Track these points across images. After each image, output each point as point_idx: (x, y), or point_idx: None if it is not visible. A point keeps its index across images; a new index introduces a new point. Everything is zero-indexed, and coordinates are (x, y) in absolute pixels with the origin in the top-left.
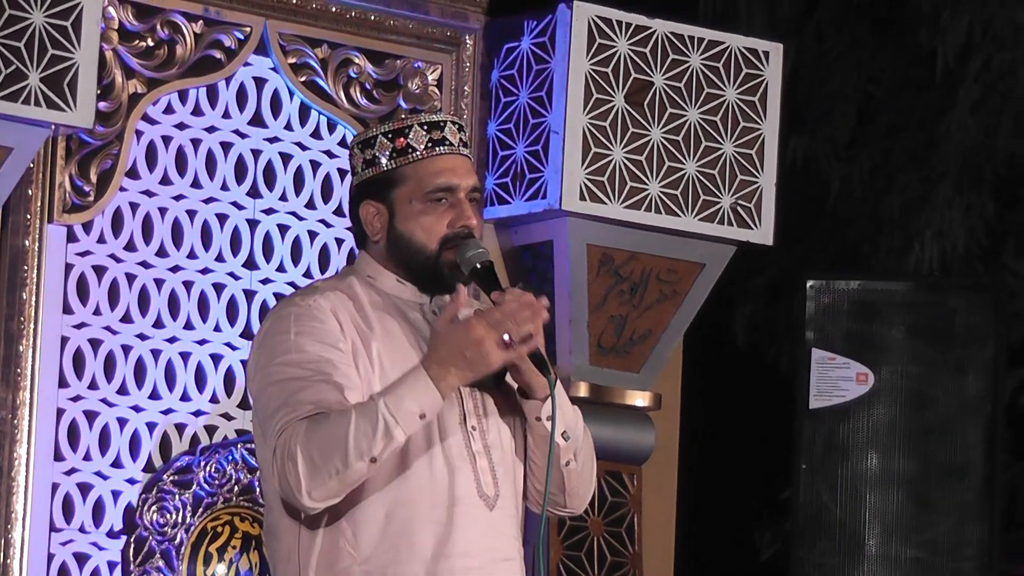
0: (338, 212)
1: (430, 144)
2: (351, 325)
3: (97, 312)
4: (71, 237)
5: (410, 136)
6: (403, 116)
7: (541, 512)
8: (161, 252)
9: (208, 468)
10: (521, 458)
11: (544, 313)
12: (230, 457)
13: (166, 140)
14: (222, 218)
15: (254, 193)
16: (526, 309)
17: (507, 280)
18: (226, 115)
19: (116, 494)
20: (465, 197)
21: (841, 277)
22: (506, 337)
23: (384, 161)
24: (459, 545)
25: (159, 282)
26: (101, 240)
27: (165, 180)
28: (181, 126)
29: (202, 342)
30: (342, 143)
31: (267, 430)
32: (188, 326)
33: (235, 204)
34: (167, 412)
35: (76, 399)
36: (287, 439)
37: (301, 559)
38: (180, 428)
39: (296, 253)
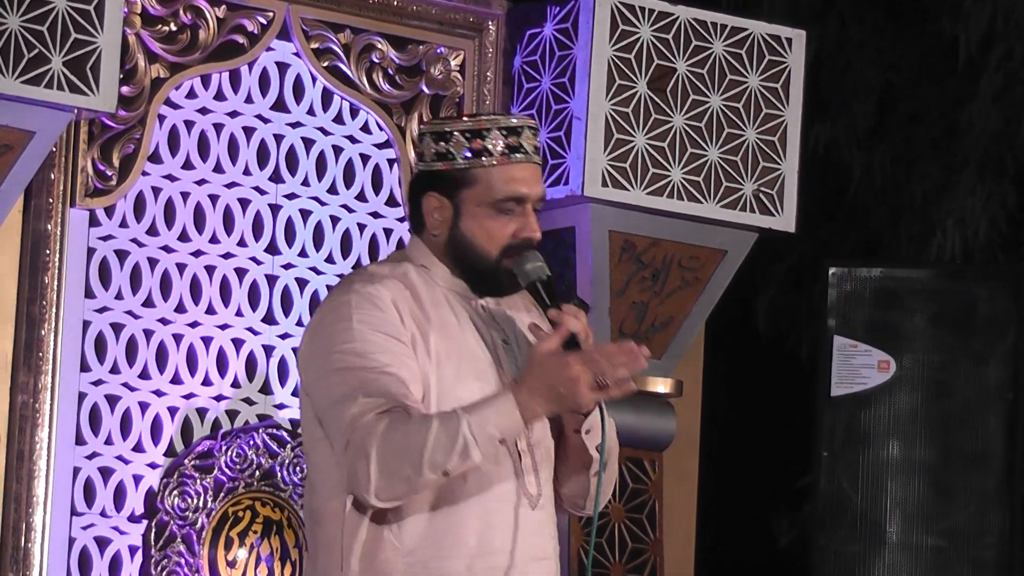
0: (360, 197)
1: (507, 150)
2: (409, 316)
3: (119, 296)
4: (93, 221)
5: (487, 139)
6: (482, 116)
7: (593, 517)
8: (183, 237)
9: (229, 453)
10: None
11: (642, 361)
12: (251, 442)
13: (188, 125)
14: (244, 203)
15: (276, 178)
16: (624, 355)
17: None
18: (249, 100)
19: (137, 478)
20: (531, 207)
21: (863, 265)
22: (601, 380)
23: (458, 158)
24: (501, 542)
25: (181, 267)
26: (123, 224)
27: (187, 165)
28: (204, 111)
29: (224, 327)
30: (364, 128)
31: (333, 419)
32: (210, 311)
33: (257, 189)
34: (189, 397)
35: (98, 383)
36: (364, 436)
37: (344, 546)
38: (201, 413)
39: (318, 238)
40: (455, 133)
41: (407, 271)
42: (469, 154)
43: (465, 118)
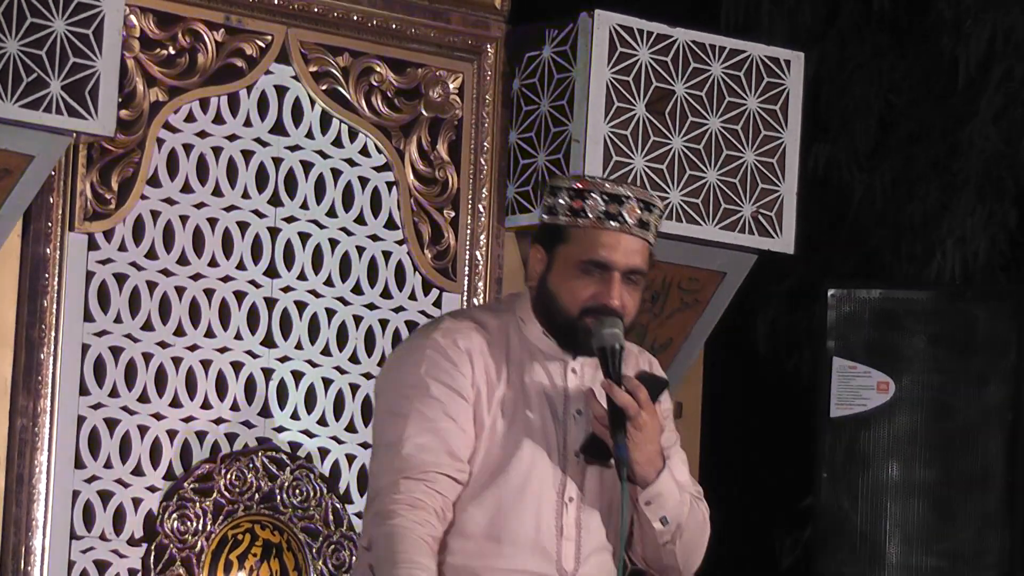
0: (359, 220)
1: (603, 216)
2: (482, 371)
3: (118, 320)
4: (92, 245)
5: (588, 201)
6: (593, 178)
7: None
8: (182, 260)
9: (229, 476)
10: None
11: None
12: (251, 465)
13: (187, 148)
14: (243, 226)
15: (275, 201)
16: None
17: None
18: (247, 123)
19: (137, 502)
20: (619, 276)
21: (862, 286)
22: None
23: (560, 215)
24: None
25: (180, 290)
26: (122, 248)
27: (186, 188)
28: (202, 134)
29: (223, 350)
30: (363, 151)
31: (375, 458)
32: (209, 334)
33: (256, 212)
34: (188, 420)
35: (97, 407)
36: (375, 523)
37: None
38: (201, 436)
39: (317, 261)
40: (563, 190)
41: (504, 324)
42: (570, 212)
43: (576, 183)
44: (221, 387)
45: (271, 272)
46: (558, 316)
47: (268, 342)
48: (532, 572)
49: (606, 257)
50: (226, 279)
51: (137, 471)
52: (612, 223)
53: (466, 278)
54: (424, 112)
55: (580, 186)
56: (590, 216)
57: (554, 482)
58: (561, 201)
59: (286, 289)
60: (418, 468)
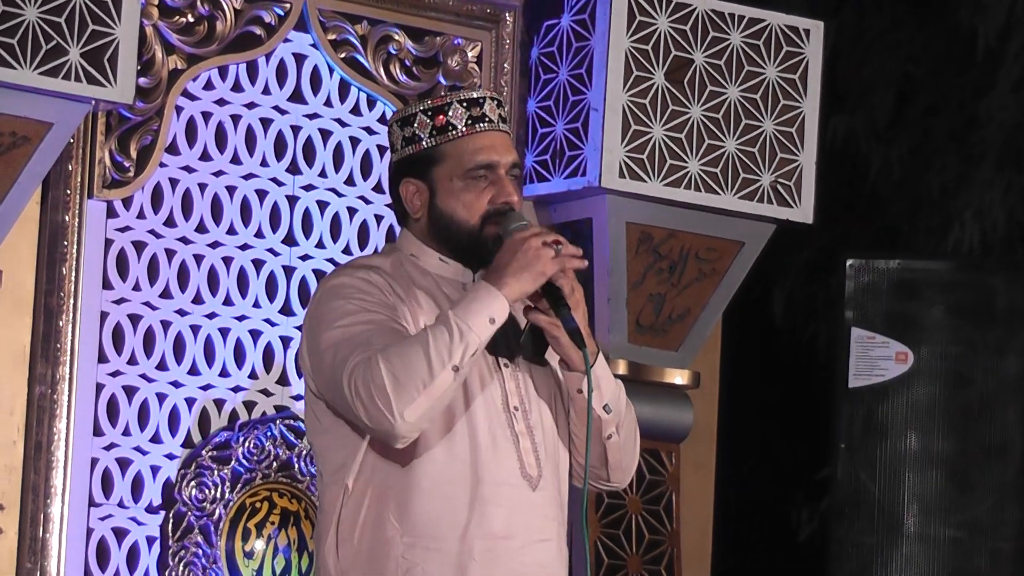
0: (377, 189)
1: (470, 121)
2: (397, 298)
3: (137, 288)
4: (111, 212)
5: (449, 113)
6: (442, 93)
7: (583, 486)
8: (201, 228)
9: (247, 444)
10: (564, 438)
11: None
12: (269, 433)
13: (206, 116)
14: (261, 194)
15: (294, 169)
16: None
17: None
18: (266, 91)
19: (155, 469)
20: (505, 174)
21: (881, 256)
22: (552, 240)
23: (424, 139)
24: (500, 524)
25: (199, 258)
26: (141, 216)
27: (205, 156)
28: (221, 102)
29: (241, 318)
30: (382, 120)
31: (336, 377)
32: (227, 302)
33: (275, 180)
34: (206, 388)
35: (115, 374)
36: (366, 369)
37: (343, 529)
38: (219, 404)
39: (335, 230)
40: (418, 115)
41: (395, 262)
42: (434, 132)
43: (429, 101)
44: (239, 355)
45: (289, 240)
46: (460, 234)
47: (286, 310)
48: (498, 484)
49: (490, 157)
50: (244, 247)
51: (155, 439)
52: (481, 125)
53: None
54: (442, 80)
55: (437, 103)
56: (458, 127)
57: (498, 395)
58: (419, 126)
59: (304, 257)
60: (371, 339)
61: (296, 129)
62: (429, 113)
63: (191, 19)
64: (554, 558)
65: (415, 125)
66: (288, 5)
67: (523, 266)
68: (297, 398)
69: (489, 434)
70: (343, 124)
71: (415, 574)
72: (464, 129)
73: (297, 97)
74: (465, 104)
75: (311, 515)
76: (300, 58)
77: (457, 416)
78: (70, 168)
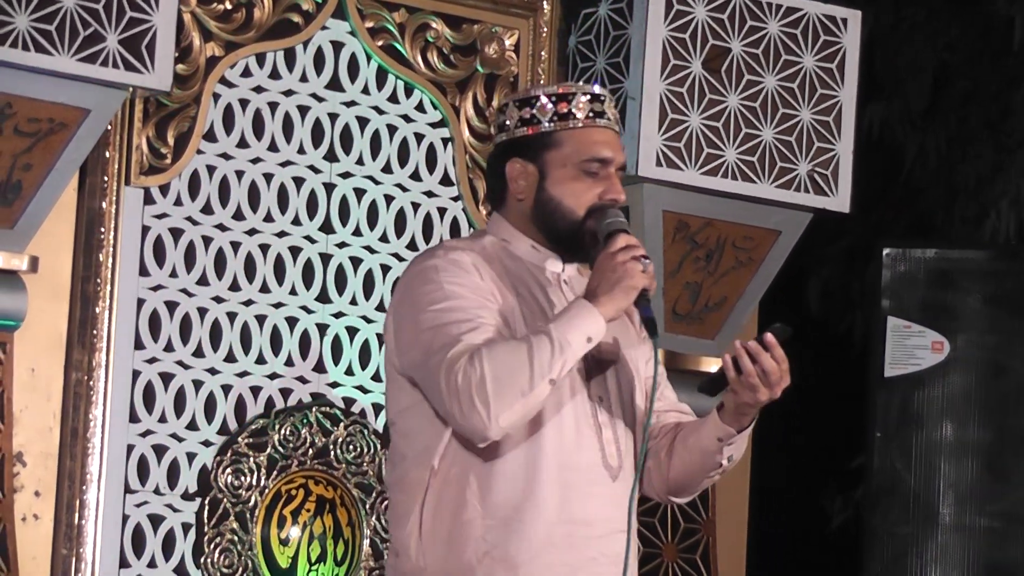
0: (414, 177)
1: (592, 114)
2: (490, 280)
3: (173, 274)
4: (148, 199)
5: (573, 103)
6: (566, 83)
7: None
8: (238, 215)
9: (283, 431)
10: (640, 435)
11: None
12: (305, 420)
13: (243, 103)
14: (299, 181)
15: (331, 157)
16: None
17: None
18: (303, 79)
19: (191, 456)
20: (614, 172)
21: (917, 245)
22: (640, 255)
23: (544, 122)
24: (581, 512)
25: (235, 245)
26: (178, 203)
27: (242, 143)
28: (258, 89)
29: (278, 305)
30: (419, 107)
31: (433, 368)
32: (264, 289)
33: (312, 168)
34: (242, 375)
35: (152, 361)
36: (468, 367)
37: (427, 511)
38: (255, 391)
39: (372, 217)
40: (540, 97)
41: (486, 245)
42: (556, 117)
43: (557, 88)
44: (276, 342)
45: (326, 228)
46: (562, 222)
47: (323, 298)
48: (580, 471)
49: (606, 154)
50: (281, 234)
51: (191, 425)
52: (601, 120)
53: None
54: (480, 68)
55: (561, 91)
56: (579, 116)
57: (582, 386)
58: (540, 109)
59: (341, 245)
60: (469, 325)
61: (333, 116)
62: (553, 99)
63: (229, 6)
64: (629, 550)
65: (535, 107)
66: None
67: (614, 283)
68: (334, 385)
69: (574, 422)
70: (380, 112)
71: (494, 556)
72: (585, 120)
73: (335, 84)
74: (588, 97)
75: (347, 502)
76: (338, 46)
77: (544, 403)
78: (107, 155)
